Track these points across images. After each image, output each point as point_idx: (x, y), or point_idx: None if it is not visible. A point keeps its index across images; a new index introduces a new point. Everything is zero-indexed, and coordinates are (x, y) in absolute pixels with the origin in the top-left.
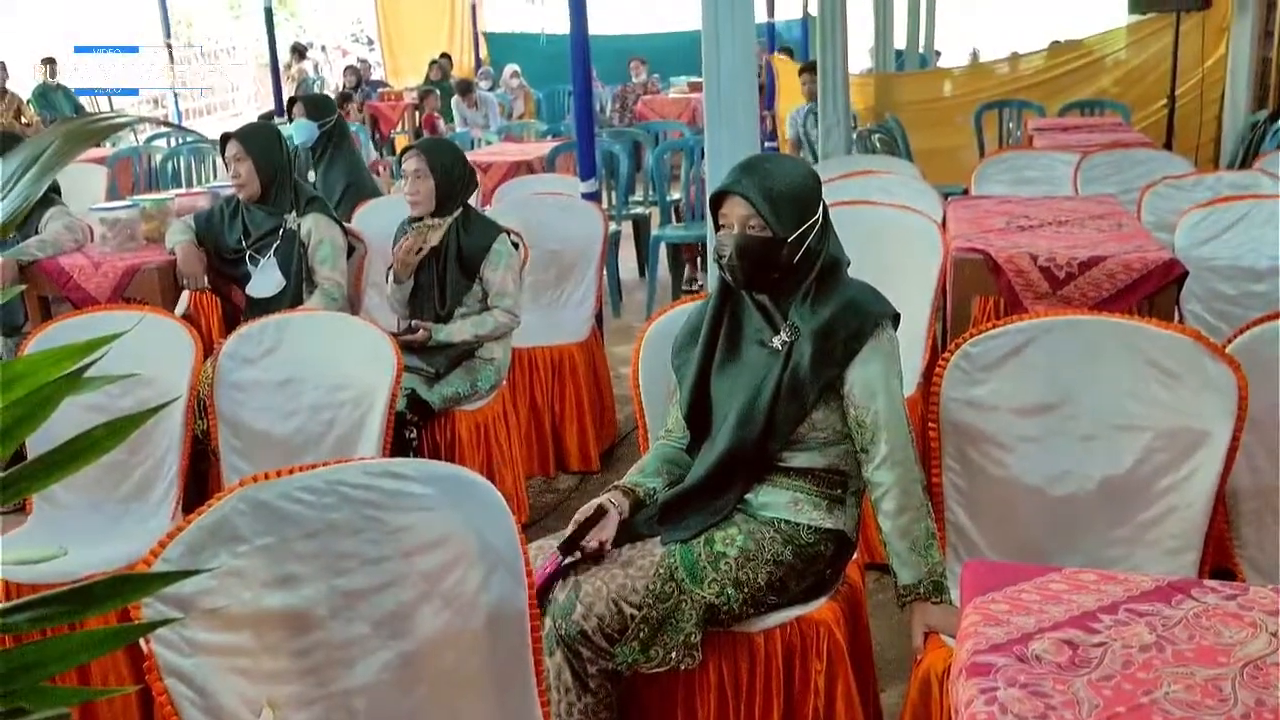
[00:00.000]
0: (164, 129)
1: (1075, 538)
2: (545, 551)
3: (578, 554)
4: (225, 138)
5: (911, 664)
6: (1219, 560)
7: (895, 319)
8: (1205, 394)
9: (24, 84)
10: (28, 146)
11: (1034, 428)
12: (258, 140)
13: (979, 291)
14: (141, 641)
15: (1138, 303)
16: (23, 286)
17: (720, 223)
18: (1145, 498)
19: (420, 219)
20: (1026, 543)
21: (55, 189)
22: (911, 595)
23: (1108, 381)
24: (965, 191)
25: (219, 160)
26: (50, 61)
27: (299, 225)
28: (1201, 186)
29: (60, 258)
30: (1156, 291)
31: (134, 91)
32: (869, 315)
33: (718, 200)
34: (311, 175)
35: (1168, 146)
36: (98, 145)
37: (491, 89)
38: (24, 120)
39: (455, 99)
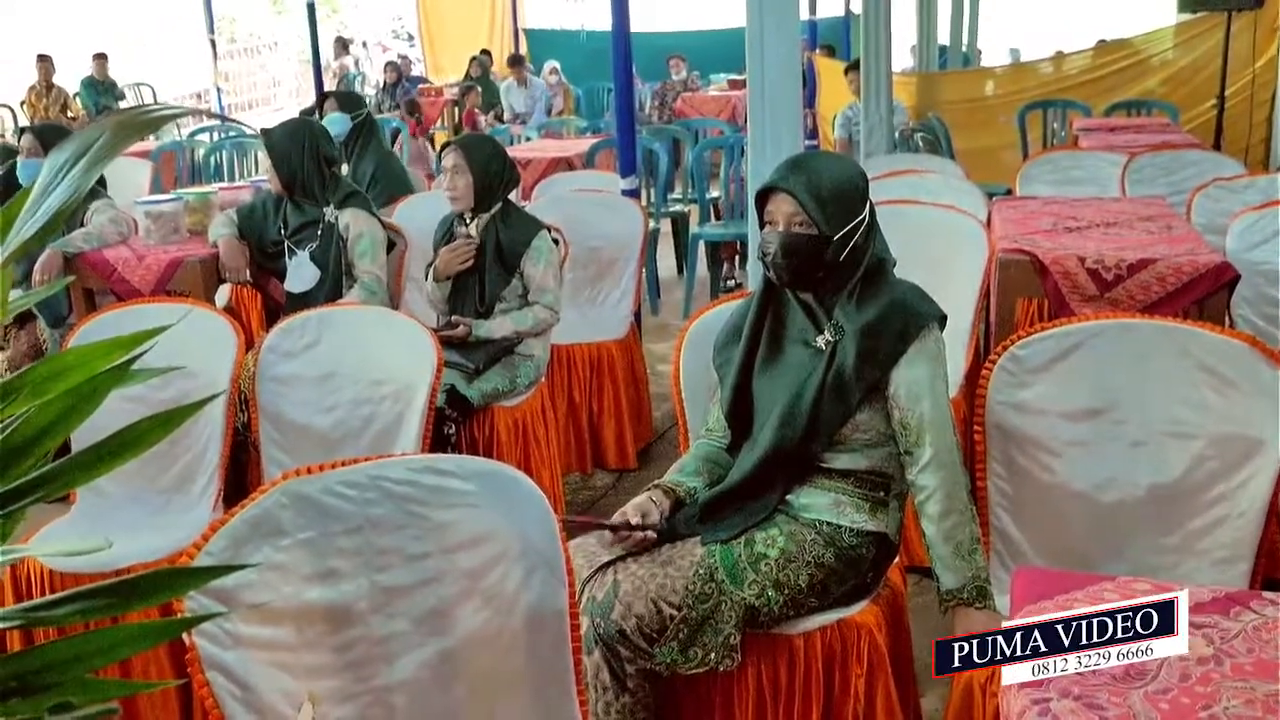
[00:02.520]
0: (208, 122)
1: (1122, 545)
2: (585, 550)
3: (620, 534)
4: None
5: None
6: (1270, 571)
7: (942, 320)
8: (1259, 401)
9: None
10: (78, 138)
11: (1082, 433)
12: (276, 138)
13: (1024, 293)
14: (184, 634)
15: (1187, 307)
16: (70, 278)
17: (765, 220)
18: (1195, 506)
19: (463, 216)
20: (1072, 549)
21: (101, 182)
22: (954, 600)
23: (1158, 387)
24: (1009, 192)
25: (261, 154)
26: (101, 57)
27: (337, 219)
28: (1254, 189)
29: (105, 250)
30: (1207, 295)
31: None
32: (915, 316)
33: (763, 197)
34: (345, 168)
35: (1217, 148)
36: (142, 139)
37: None
38: (70, 114)
39: (507, 82)
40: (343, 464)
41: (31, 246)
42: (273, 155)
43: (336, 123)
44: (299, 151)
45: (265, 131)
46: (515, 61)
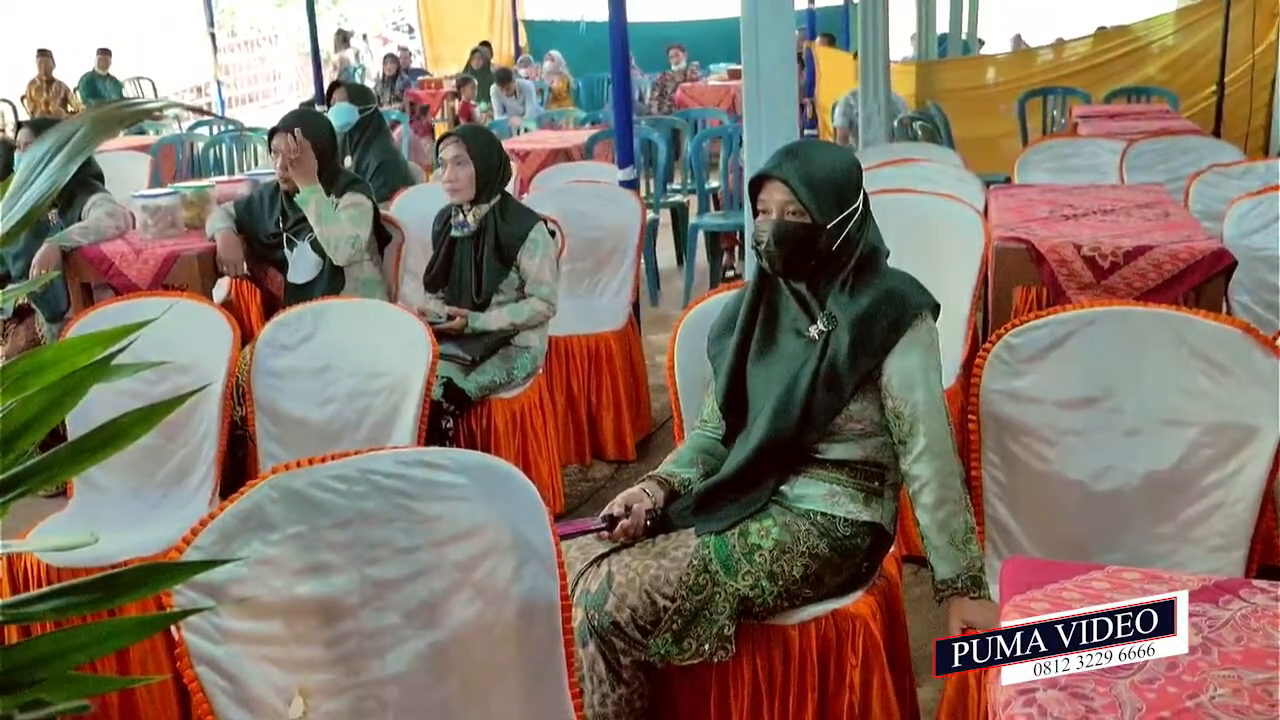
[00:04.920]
0: (206, 117)
1: (1118, 534)
2: (578, 542)
3: (609, 531)
4: (274, 131)
5: None
6: (1266, 559)
7: (935, 309)
8: (1254, 388)
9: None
10: (57, 131)
11: (1077, 421)
12: (313, 129)
13: (1021, 282)
14: (173, 629)
15: (1184, 294)
16: (57, 273)
17: (759, 208)
18: (1191, 494)
19: (460, 208)
20: (1068, 538)
21: (99, 176)
22: (949, 590)
23: (1153, 374)
24: (1008, 180)
25: (260, 147)
26: (105, 52)
27: (336, 205)
28: (1252, 175)
29: (102, 244)
30: (1204, 282)
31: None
32: (908, 305)
33: (757, 185)
34: (348, 160)
35: (1216, 134)
36: (141, 133)
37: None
38: (70, 108)
39: (494, 87)
40: (333, 458)
41: (11, 238)
42: (314, 144)
43: (343, 113)
44: (331, 143)
45: (309, 123)
46: (504, 79)
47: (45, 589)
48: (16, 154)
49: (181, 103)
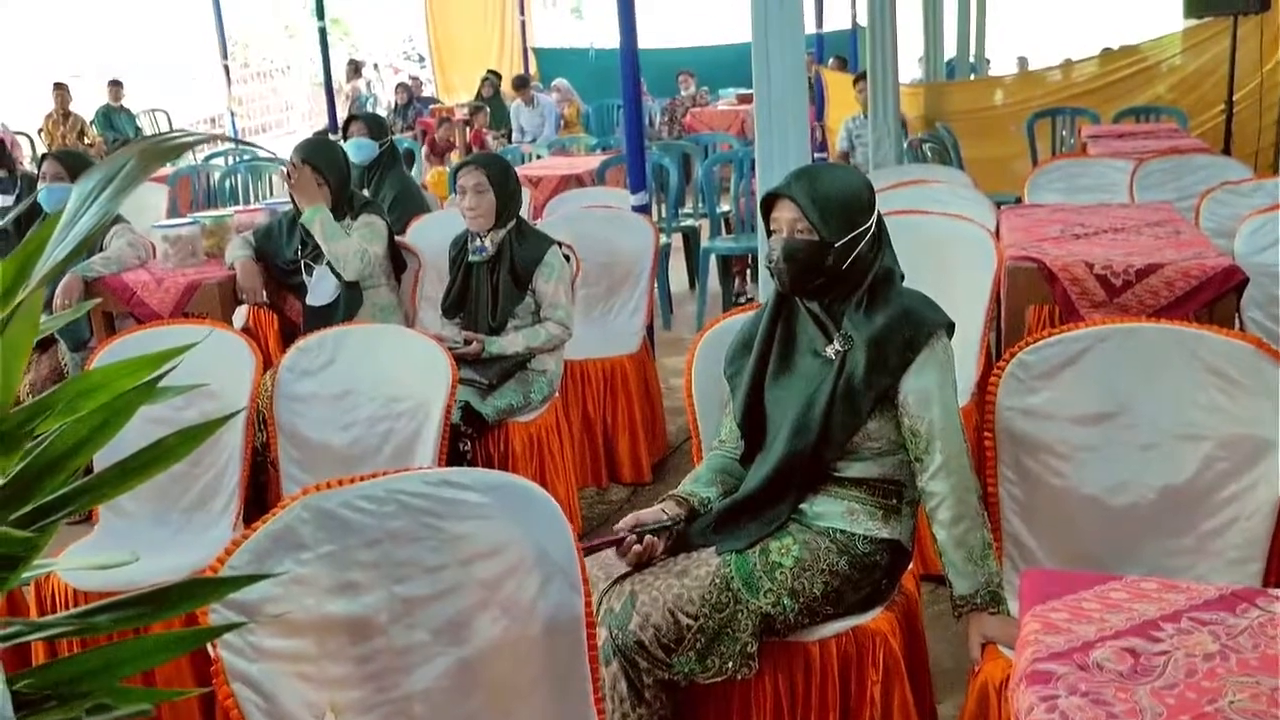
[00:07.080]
0: (222, 146)
1: (1135, 548)
2: (601, 561)
3: (632, 545)
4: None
5: (968, 675)
6: None
7: (950, 328)
8: (1267, 402)
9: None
10: (105, 165)
11: (1092, 437)
12: (325, 158)
13: (1034, 300)
14: (209, 647)
15: (1197, 310)
16: (96, 300)
17: (771, 227)
18: (1207, 507)
19: (479, 235)
20: (1085, 553)
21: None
22: (968, 606)
23: (1167, 390)
24: (1018, 200)
25: (275, 177)
26: (116, 84)
27: (351, 229)
28: (1261, 192)
29: (124, 274)
30: (1216, 299)
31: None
32: (923, 324)
33: (769, 205)
34: (365, 193)
35: (1226, 152)
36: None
37: None
38: (86, 140)
39: (515, 104)
40: (361, 478)
41: (64, 269)
42: (324, 171)
43: (363, 149)
44: (344, 169)
45: (310, 148)
46: (521, 84)
47: (98, 604)
48: (43, 186)
49: (221, 134)
